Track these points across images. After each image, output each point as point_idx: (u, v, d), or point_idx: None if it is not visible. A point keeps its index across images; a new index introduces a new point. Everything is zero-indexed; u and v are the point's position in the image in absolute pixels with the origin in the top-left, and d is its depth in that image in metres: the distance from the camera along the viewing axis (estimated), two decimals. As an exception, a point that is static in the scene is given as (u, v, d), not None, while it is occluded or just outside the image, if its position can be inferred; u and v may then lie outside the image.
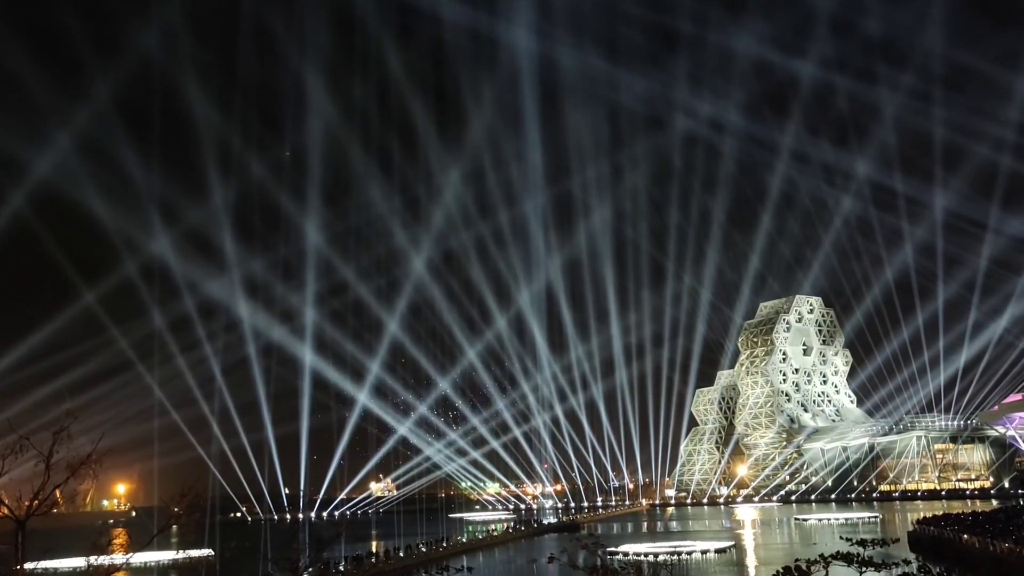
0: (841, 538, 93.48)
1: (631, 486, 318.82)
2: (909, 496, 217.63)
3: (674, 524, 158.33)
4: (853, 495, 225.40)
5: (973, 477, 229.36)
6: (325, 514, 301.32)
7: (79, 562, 36.22)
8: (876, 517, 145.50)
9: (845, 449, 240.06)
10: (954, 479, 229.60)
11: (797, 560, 45.89)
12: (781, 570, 44.41)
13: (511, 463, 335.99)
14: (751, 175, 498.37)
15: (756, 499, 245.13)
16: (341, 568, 70.85)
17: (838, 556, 47.22)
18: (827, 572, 45.92)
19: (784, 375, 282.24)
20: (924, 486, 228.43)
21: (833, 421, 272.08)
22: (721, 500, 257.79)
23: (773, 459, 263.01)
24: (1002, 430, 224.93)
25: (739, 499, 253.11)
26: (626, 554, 75.48)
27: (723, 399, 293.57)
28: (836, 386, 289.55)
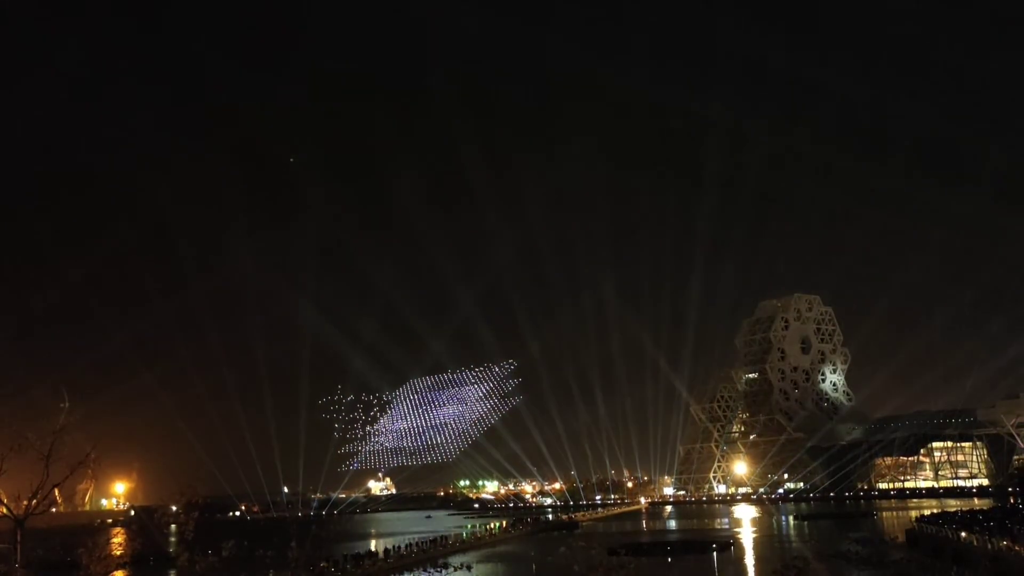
0: (840, 536, 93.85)
1: (630, 484, 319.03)
2: (907, 494, 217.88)
3: (673, 522, 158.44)
4: (851, 493, 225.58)
5: (971, 475, 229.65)
6: (325, 512, 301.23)
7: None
8: (875, 515, 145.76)
9: (843, 447, 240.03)
10: (952, 477, 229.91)
11: (796, 558, 45.97)
12: (780, 568, 44.47)
13: (509, 463, 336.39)
14: (750, 175, 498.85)
15: (754, 497, 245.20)
16: (344, 567, 70.76)
17: (837, 554, 47.28)
18: (826, 570, 46.02)
19: (783, 373, 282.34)
20: (922, 484, 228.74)
21: (831, 419, 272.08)
22: (720, 498, 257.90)
23: (771, 457, 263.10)
24: (1000, 428, 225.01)
25: (738, 497, 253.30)
26: (625, 552, 75.40)
27: (722, 397, 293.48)
28: (835, 384, 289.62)
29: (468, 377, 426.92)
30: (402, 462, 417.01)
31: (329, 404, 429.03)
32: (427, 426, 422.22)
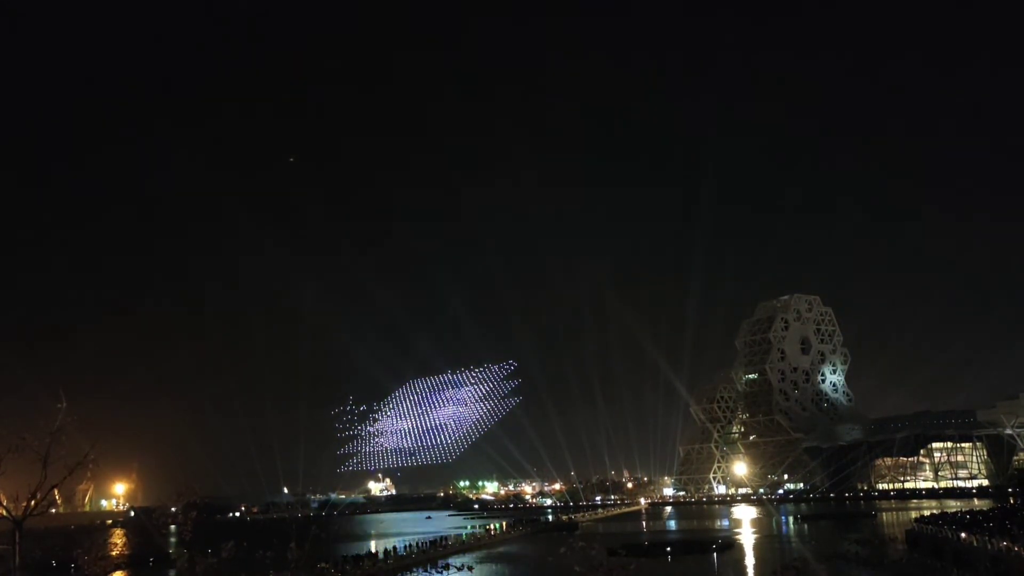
0: (839, 536, 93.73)
1: (630, 485, 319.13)
2: (907, 494, 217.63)
3: (672, 523, 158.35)
4: (851, 493, 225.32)
5: (971, 475, 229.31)
6: (324, 513, 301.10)
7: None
8: (874, 515, 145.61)
9: (843, 447, 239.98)
10: (952, 477, 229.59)
11: (795, 558, 45.91)
12: (779, 568, 44.41)
13: (510, 463, 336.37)
14: (749, 176, 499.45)
15: (754, 497, 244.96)
16: (344, 568, 70.68)
17: (836, 554, 47.22)
18: (825, 570, 45.94)
19: (783, 374, 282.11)
20: (922, 484, 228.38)
21: (831, 419, 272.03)
22: (719, 498, 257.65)
23: (771, 457, 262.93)
24: (1000, 428, 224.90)
25: (737, 497, 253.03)
26: (625, 553, 75.34)
27: (721, 397, 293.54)
28: (834, 384, 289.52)
29: (468, 378, 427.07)
30: (402, 463, 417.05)
31: (341, 415, 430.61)
32: (427, 427, 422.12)
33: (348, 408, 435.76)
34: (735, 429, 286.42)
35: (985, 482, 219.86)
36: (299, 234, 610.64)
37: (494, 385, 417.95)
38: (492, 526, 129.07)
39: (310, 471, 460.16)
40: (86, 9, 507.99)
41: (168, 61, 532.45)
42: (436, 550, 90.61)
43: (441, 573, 72.82)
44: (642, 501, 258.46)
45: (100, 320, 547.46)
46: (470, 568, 76.29)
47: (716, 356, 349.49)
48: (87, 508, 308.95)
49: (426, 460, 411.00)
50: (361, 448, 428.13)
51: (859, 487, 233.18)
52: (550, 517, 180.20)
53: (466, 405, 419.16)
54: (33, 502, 30.38)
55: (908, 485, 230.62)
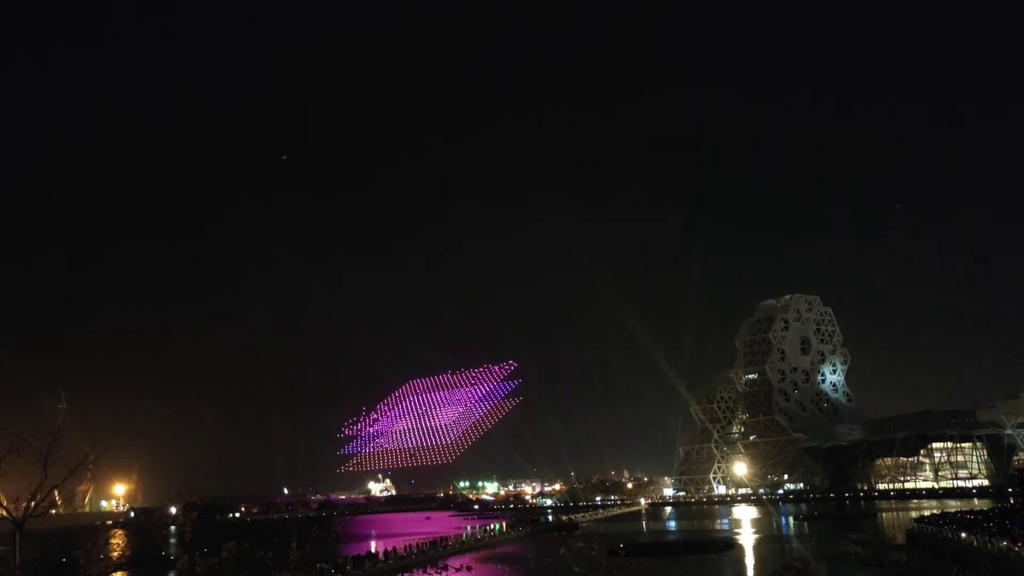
0: (839, 536, 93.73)
1: (630, 485, 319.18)
2: (907, 494, 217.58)
3: (673, 523, 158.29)
4: (851, 493, 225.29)
5: (971, 475, 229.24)
6: (324, 513, 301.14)
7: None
8: (874, 515, 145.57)
9: (843, 447, 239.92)
10: (952, 477, 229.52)
11: (795, 559, 45.86)
12: (779, 569, 44.37)
13: (510, 464, 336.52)
14: (750, 174, 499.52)
15: (754, 498, 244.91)
16: (345, 568, 70.71)
17: (836, 555, 47.21)
18: (826, 571, 45.88)
19: (782, 373, 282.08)
20: (922, 484, 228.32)
21: (831, 419, 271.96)
22: (720, 499, 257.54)
23: (771, 457, 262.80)
24: (1000, 428, 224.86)
25: (738, 498, 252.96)
26: (625, 553, 75.27)
27: (721, 398, 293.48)
28: (834, 384, 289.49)
29: (468, 378, 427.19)
30: (402, 463, 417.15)
31: (352, 424, 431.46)
32: (427, 427, 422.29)
33: (360, 418, 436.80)
34: (735, 429, 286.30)
35: (985, 482, 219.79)
36: (298, 234, 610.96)
37: (494, 386, 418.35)
38: (492, 526, 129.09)
39: (310, 471, 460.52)
40: (85, 7, 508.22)
41: (166, 62, 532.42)
42: (436, 550, 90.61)
43: (441, 573, 72.77)
44: (642, 501, 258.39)
45: (100, 320, 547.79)
46: (470, 568, 76.27)
47: (716, 356, 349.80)
48: (87, 509, 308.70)
49: (426, 461, 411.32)
50: (361, 449, 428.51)
51: (859, 487, 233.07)
52: (550, 517, 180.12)
53: (467, 405, 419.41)
54: (33, 503, 30.40)
55: (908, 485, 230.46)
